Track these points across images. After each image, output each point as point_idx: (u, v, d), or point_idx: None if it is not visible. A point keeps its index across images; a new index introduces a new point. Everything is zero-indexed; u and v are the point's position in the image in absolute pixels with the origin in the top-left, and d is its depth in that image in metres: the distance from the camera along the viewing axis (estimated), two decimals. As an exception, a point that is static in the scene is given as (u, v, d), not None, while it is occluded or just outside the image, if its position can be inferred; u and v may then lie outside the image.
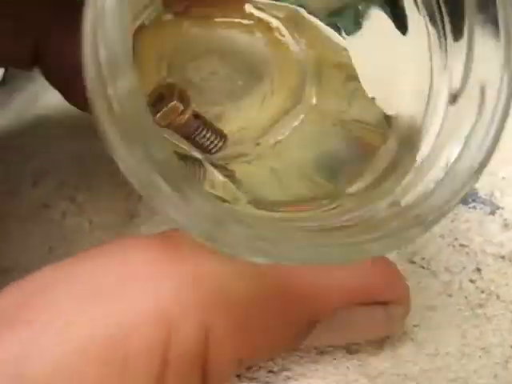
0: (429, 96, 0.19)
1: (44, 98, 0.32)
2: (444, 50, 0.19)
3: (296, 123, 0.21)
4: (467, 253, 0.25)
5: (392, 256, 0.25)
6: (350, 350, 0.22)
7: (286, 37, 0.22)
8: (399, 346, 0.23)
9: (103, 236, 0.27)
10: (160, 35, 0.21)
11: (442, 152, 0.18)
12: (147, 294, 0.15)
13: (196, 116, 0.20)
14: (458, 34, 0.18)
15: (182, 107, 0.19)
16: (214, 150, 0.20)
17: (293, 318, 0.18)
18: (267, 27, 0.21)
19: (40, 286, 0.15)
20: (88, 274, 0.15)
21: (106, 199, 0.27)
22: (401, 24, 0.20)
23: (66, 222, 0.27)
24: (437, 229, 0.25)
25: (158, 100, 0.19)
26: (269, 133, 0.21)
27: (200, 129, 0.20)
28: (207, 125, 0.20)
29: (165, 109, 0.19)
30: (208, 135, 0.20)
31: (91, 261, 0.16)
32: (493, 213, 0.26)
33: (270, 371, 0.21)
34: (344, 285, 0.18)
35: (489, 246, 0.25)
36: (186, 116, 0.19)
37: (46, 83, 0.31)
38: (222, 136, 0.20)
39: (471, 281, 0.24)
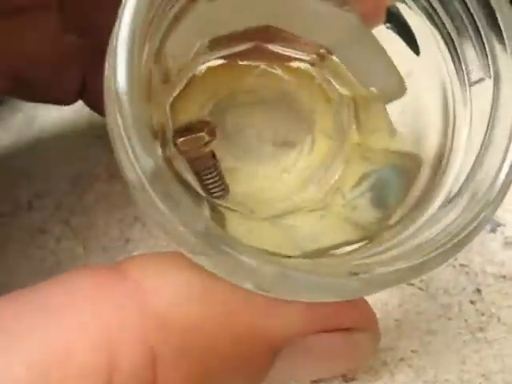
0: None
1: (40, 119, 0.31)
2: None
3: (343, 166, 0.21)
4: (467, 273, 0.24)
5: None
6: (346, 377, 0.22)
7: (323, 82, 0.21)
8: (396, 373, 0.22)
9: (98, 260, 0.27)
10: (213, 78, 0.21)
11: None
12: (91, 320, 0.15)
13: (213, 156, 0.20)
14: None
15: (206, 140, 0.19)
16: (214, 195, 0.20)
17: (249, 347, 0.17)
18: (309, 75, 0.21)
19: None
20: (36, 299, 0.15)
21: (101, 223, 0.27)
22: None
23: (61, 246, 0.27)
24: (436, 248, 0.25)
25: (188, 129, 0.19)
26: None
27: (211, 169, 0.20)
28: (217, 170, 0.20)
29: (191, 136, 0.19)
30: (215, 179, 0.20)
31: (43, 287, 0.16)
32: (494, 230, 0.25)
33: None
34: (302, 312, 0.18)
35: (489, 265, 0.24)
36: (206, 150, 0.19)
37: (42, 105, 0.31)
38: (225, 188, 0.20)
39: (471, 302, 0.24)
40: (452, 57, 0.19)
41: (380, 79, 0.21)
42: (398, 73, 0.20)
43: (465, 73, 0.19)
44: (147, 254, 0.17)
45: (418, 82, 0.20)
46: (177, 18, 0.18)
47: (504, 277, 0.24)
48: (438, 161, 0.19)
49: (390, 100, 0.20)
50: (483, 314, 0.23)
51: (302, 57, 0.21)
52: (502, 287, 0.24)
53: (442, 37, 0.19)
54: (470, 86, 0.19)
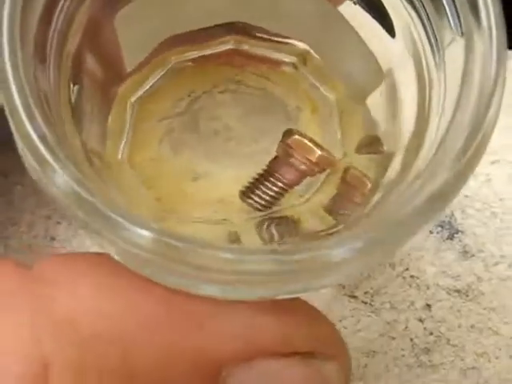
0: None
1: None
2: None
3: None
4: (418, 286, 0.22)
5: (330, 291, 0.22)
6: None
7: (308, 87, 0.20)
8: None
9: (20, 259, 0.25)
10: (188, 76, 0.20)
11: None
12: None
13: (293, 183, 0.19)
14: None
15: (315, 160, 0.18)
16: (252, 202, 0.19)
17: (175, 372, 0.15)
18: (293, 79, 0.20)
19: None
20: None
21: (26, 220, 0.25)
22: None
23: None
24: (386, 256, 0.22)
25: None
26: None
27: (280, 183, 0.19)
28: (283, 190, 0.19)
29: (308, 141, 0.18)
30: (271, 193, 0.19)
31: None
32: (451, 237, 0.23)
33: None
34: (245, 326, 0.15)
35: (443, 277, 0.22)
36: (302, 168, 0.18)
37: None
38: (267, 207, 0.19)
39: (419, 320, 0.21)
40: (422, 22, 0.17)
41: (357, 68, 0.19)
42: (372, 54, 0.19)
43: (437, 36, 0.17)
44: (64, 256, 0.16)
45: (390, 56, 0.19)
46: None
47: (458, 291, 0.22)
48: (414, 142, 0.17)
49: (371, 91, 0.19)
50: (431, 334, 0.21)
51: (284, 59, 0.20)
52: (454, 303, 0.21)
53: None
54: (443, 50, 0.17)
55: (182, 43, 0.19)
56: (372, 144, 0.19)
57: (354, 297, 0.22)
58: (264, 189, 0.19)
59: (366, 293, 0.22)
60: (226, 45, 0.19)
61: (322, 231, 0.18)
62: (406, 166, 0.17)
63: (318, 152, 0.18)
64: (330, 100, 0.20)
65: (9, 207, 0.26)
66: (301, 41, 0.19)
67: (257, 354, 0.15)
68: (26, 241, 0.25)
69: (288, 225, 0.19)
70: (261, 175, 0.19)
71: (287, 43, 0.20)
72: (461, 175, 0.14)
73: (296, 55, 0.20)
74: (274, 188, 0.19)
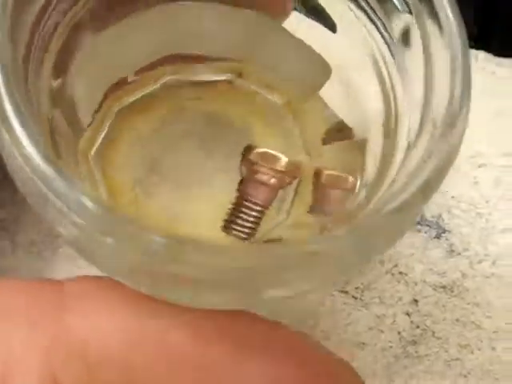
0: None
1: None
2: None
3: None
4: (406, 282, 0.23)
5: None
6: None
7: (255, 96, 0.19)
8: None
9: (24, 255, 0.26)
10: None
11: None
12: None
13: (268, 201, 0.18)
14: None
15: (282, 168, 0.18)
16: (234, 231, 0.18)
17: None
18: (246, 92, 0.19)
19: None
20: None
21: (32, 217, 0.26)
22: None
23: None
24: (376, 254, 0.24)
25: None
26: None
27: (256, 206, 0.18)
28: (260, 213, 0.18)
29: (270, 152, 0.18)
30: (250, 219, 0.18)
31: None
32: (438, 236, 0.24)
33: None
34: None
35: (430, 274, 0.23)
36: (271, 182, 0.18)
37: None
38: (250, 235, 0.18)
39: (407, 314, 0.22)
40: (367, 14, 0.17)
41: (301, 66, 0.19)
42: (315, 52, 0.18)
43: (385, 24, 0.17)
44: (88, 280, 0.16)
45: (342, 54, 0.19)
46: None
47: (444, 287, 0.23)
48: (387, 129, 0.17)
49: (320, 86, 0.19)
50: (418, 327, 0.22)
51: (217, 78, 0.19)
52: (439, 298, 0.23)
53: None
54: (398, 39, 0.17)
55: (120, 88, 0.19)
56: (340, 130, 0.19)
57: (345, 292, 0.23)
58: (243, 216, 0.18)
59: (356, 288, 0.23)
60: (163, 78, 0.19)
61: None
62: (385, 161, 0.16)
63: (284, 158, 0.18)
64: (278, 104, 0.19)
65: (14, 204, 0.27)
66: (233, 57, 0.19)
67: None
68: (30, 236, 0.26)
69: None
70: (235, 203, 0.18)
71: (219, 62, 0.19)
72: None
73: (230, 71, 0.19)
74: (252, 213, 0.18)
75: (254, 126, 0.19)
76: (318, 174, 0.18)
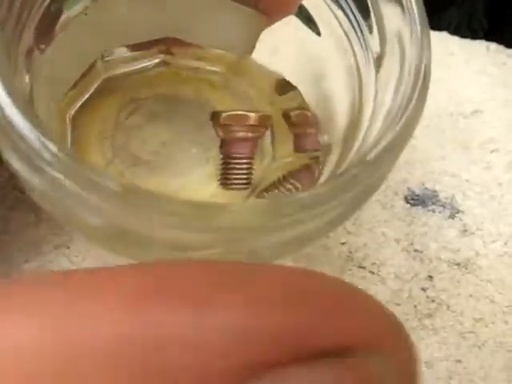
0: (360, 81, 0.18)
1: None
2: (359, 31, 0.18)
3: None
4: (421, 259, 0.24)
5: (340, 261, 0.23)
6: None
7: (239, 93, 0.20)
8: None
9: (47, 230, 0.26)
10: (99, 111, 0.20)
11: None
12: None
13: (253, 148, 0.19)
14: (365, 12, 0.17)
15: (251, 122, 0.19)
16: (233, 186, 0.19)
17: None
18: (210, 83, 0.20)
19: None
20: None
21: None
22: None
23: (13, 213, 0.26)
24: (392, 232, 0.24)
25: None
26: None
27: (243, 158, 0.19)
28: (250, 161, 0.19)
29: (236, 112, 0.19)
30: (243, 170, 0.19)
31: None
32: (452, 217, 0.25)
33: None
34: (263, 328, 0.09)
35: (444, 252, 0.24)
36: (250, 135, 0.19)
37: None
38: (248, 182, 0.19)
39: (422, 289, 0.23)
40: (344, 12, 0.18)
41: (230, 27, 0.20)
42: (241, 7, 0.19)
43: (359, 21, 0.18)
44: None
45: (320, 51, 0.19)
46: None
47: (458, 264, 0.24)
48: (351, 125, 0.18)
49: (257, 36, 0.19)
50: (433, 301, 0.23)
51: (212, 68, 0.20)
52: (454, 275, 0.23)
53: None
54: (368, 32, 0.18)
55: (113, 59, 0.19)
56: (285, 86, 0.20)
57: (363, 267, 0.24)
58: (236, 171, 0.19)
59: (373, 264, 0.24)
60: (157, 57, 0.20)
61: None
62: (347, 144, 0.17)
63: (253, 114, 0.19)
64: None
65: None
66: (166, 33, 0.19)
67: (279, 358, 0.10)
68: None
69: (278, 187, 0.19)
70: (224, 163, 0.19)
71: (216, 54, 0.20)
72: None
73: (225, 65, 0.20)
74: (243, 166, 0.19)
75: (208, 96, 0.20)
76: (286, 115, 0.19)
